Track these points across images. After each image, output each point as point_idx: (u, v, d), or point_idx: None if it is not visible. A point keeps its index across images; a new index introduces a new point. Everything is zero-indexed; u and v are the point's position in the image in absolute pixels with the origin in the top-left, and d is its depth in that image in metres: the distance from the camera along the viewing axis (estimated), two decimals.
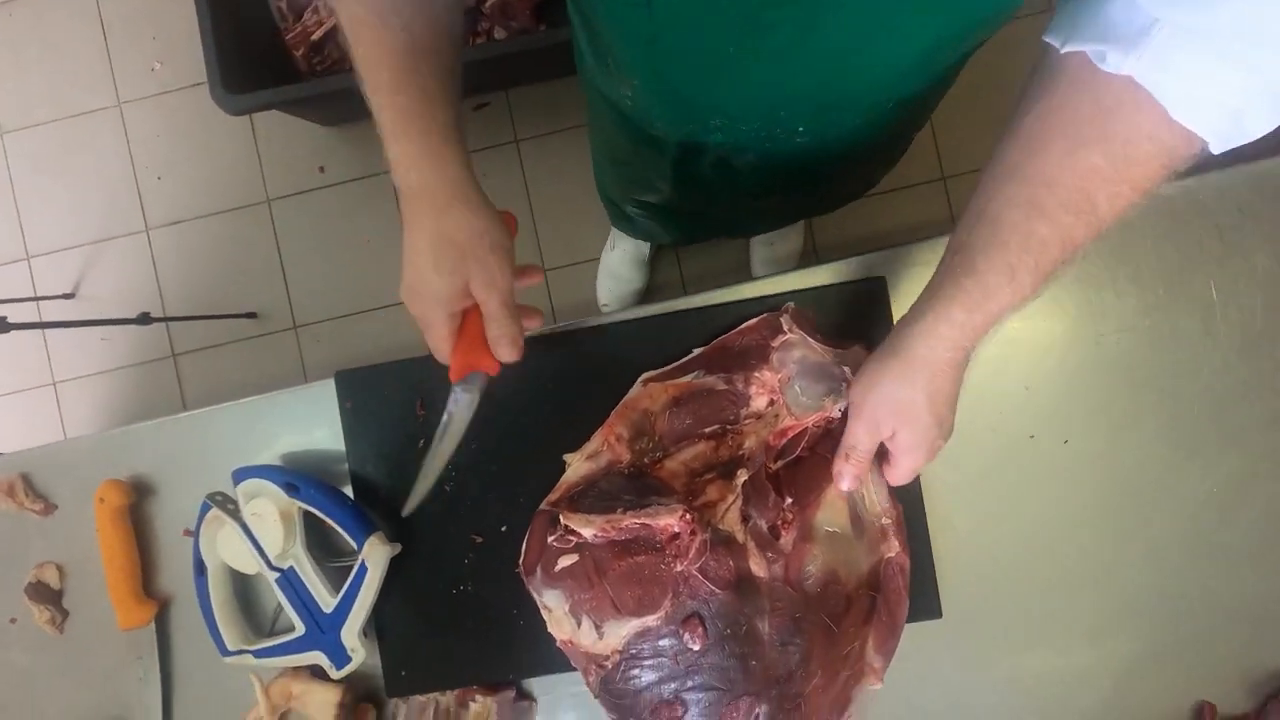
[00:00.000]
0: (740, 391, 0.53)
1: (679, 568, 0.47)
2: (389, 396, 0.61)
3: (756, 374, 0.53)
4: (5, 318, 1.10)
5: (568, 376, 0.59)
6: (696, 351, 0.56)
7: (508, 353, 0.49)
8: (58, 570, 0.64)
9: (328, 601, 0.58)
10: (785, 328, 0.54)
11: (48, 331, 1.55)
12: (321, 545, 0.61)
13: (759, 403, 0.53)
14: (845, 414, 0.51)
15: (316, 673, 0.61)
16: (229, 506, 0.59)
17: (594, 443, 0.53)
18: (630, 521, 0.47)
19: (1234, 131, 0.39)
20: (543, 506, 0.51)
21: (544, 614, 0.50)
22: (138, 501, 0.64)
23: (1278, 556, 0.59)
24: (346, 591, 0.57)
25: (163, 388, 1.60)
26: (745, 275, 1.23)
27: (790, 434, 0.51)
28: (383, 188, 1.52)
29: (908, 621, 0.58)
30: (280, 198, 1.55)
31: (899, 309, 0.58)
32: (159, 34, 1.55)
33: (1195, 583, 0.59)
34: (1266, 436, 0.59)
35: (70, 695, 0.64)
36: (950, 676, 0.59)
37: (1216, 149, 0.39)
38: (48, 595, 0.64)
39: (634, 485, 0.50)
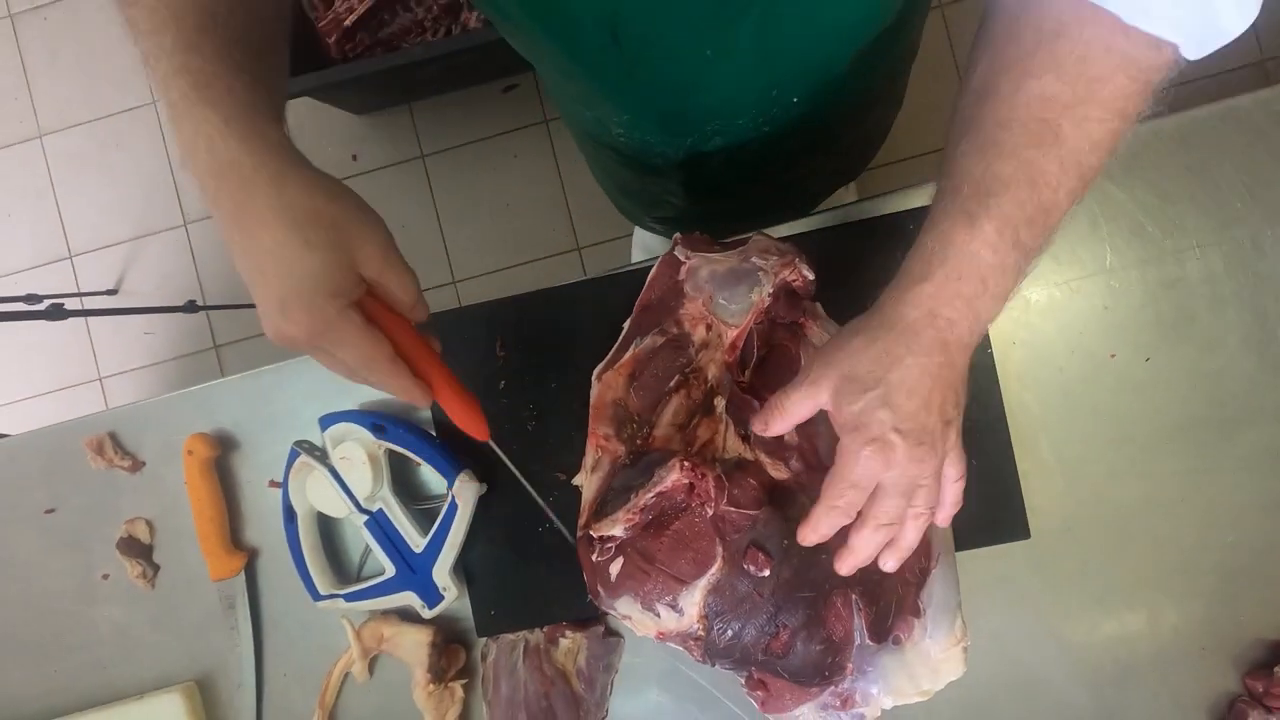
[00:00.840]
0: (679, 334, 0.53)
1: (710, 512, 0.48)
2: (468, 339, 0.61)
3: (681, 312, 0.53)
4: (62, 304, 1.12)
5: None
6: (626, 325, 0.56)
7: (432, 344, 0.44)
8: (147, 525, 0.65)
9: (417, 541, 0.59)
10: (682, 257, 0.54)
11: (92, 328, 1.57)
12: (406, 488, 0.62)
13: (699, 334, 0.53)
14: (787, 290, 0.51)
15: (406, 615, 0.62)
16: (316, 453, 0.60)
17: (589, 456, 0.54)
18: (645, 499, 0.47)
19: (1207, 29, 0.35)
20: (578, 535, 0.52)
21: (627, 625, 0.51)
22: (223, 455, 0.65)
23: None
24: (437, 530, 0.58)
25: (207, 379, 1.62)
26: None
27: (739, 343, 0.52)
28: (417, 173, 1.53)
29: (996, 543, 0.58)
30: None
31: None
32: None
33: None
34: None
35: (164, 648, 0.65)
36: (1038, 597, 0.59)
37: (1191, 53, 0.36)
38: (138, 550, 0.65)
39: (640, 469, 0.50)
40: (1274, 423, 0.58)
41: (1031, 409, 0.60)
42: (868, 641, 0.48)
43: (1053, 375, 0.59)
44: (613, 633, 0.62)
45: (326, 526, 0.64)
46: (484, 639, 0.62)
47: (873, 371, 0.40)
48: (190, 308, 1.34)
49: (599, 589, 0.51)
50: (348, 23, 1.33)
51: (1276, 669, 0.57)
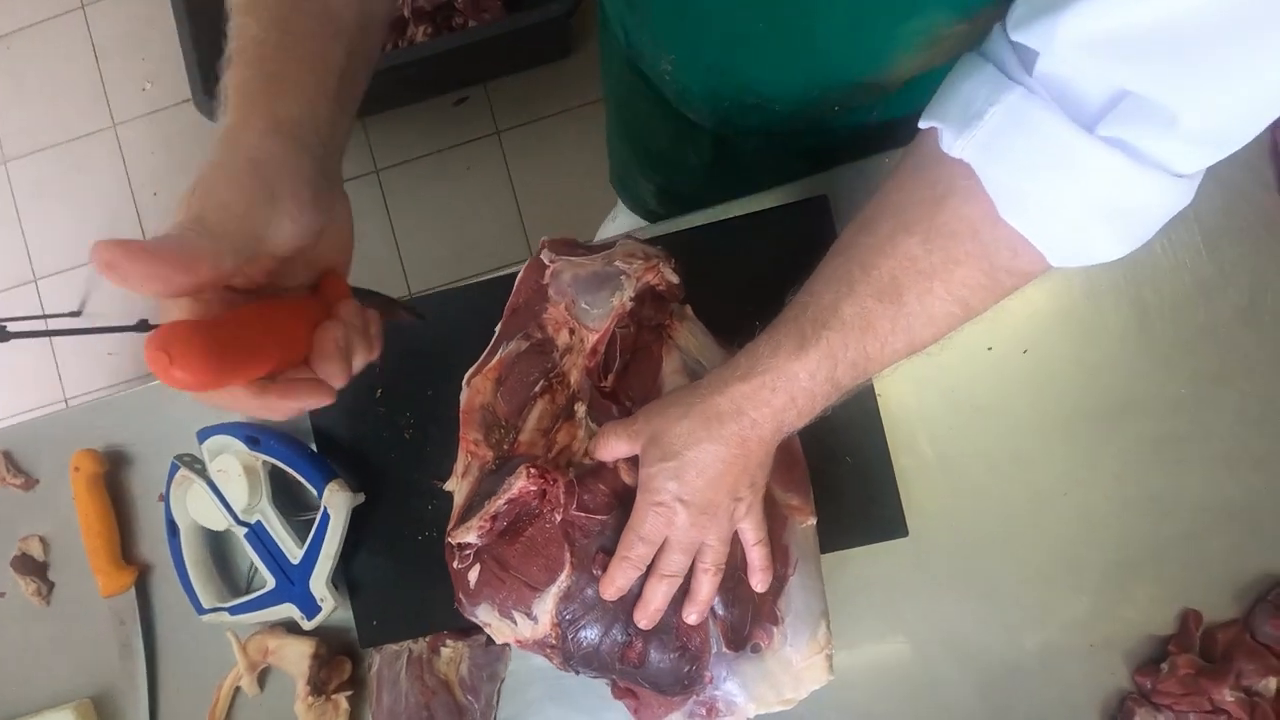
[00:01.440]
0: (542, 339, 0.53)
1: (559, 518, 0.47)
2: None
3: (545, 316, 0.53)
4: (4, 326, 1.13)
5: None
6: (497, 330, 0.56)
7: (353, 362, 0.38)
8: (41, 542, 0.66)
9: (295, 553, 0.59)
10: (547, 261, 0.54)
11: (57, 351, 1.59)
12: (289, 500, 0.62)
13: (563, 338, 0.53)
14: (652, 294, 0.51)
15: (293, 628, 0.62)
16: (196, 466, 0.61)
17: (460, 461, 0.53)
18: (497, 505, 0.47)
19: (1077, 249, 0.36)
20: (448, 541, 0.52)
21: (488, 631, 0.51)
22: (114, 470, 0.65)
23: (1254, 458, 0.57)
24: (311, 541, 0.58)
25: (175, 396, 1.64)
26: None
27: (600, 347, 0.51)
28: (371, 187, 1.54)
29: (872, 542, 0.57)
30: None
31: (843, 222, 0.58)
32: (148, 55, 1.60)
33: (1172, 488, 0.57)
34: (1233, 333, 0.57)
35: (60, 665, 0.65)
36: (920, 596, 0.58)
37: (1057, 262, 0.37)
38: (33, 567, 0.65)
39: (501, 475, 0.50)
40: (1156, 414, 0.58)
41: (908, 404, 0.59)
42: (724, 650, 0.48)
43: (929, 369, 0.59)
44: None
45: (218, 540, 0.64)
46: (367, 649, 0.62)
47: (674, 444, 0.43)
48: (143, 326, 1.35)
49: (460, 596, 0.51)
50: None
51: (1164, 665, 0.55)
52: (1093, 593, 0.57)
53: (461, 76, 1.50)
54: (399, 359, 0.61)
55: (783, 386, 0.41)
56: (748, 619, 0.48)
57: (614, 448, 0.47)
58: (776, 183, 0.60)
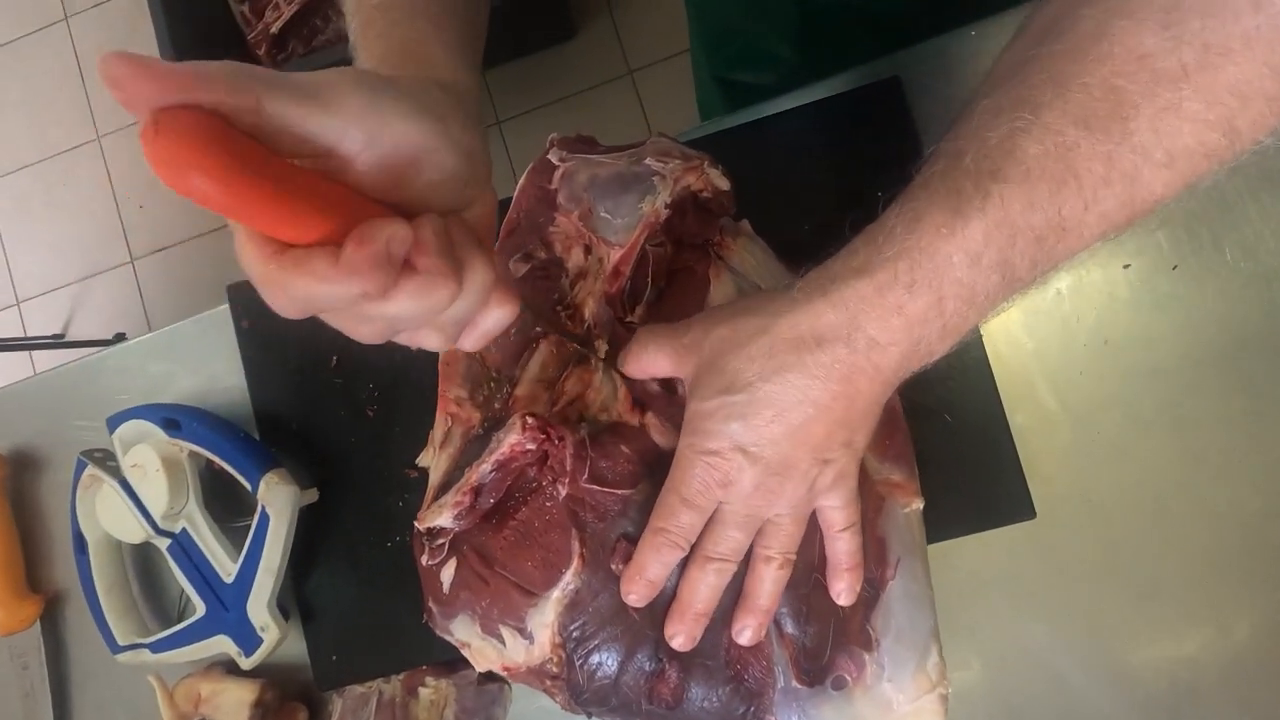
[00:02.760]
0: (547, 260, 0.40)
1: (564, 492, 0.34)
2: None
3: (552, 229, 0.40)
4: None
5: None
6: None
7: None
8: None
9: (229, 569, 0.45)
10: (556, 160, 0.40)
11: (39, 369, 1.49)
12: (229, 505, 0.49)
13: (575, 258, 0.39)
14: (694, 203, 0.38)
15: (234, 669, 0.48)
16: (109, 464, 0.48)
17: (438, 428, 0.40)
18: (480, 474, 0.34)
19: None
20: (415, 527, 0.38)
21: (466, 654, 0.37)
22: (18, 476, 0.53)
23: None
24: (248, 553, 0.45)
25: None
26: None
27: (625, 267, 0.38)
28: None
29: (987, 528, 0.43)
30: None
31: (922, 114, 0.45)
32: None
33: None
34: None
35: None
36: (1053, 600, 0.43)
37: None
38: None
39: (493, 438, 0.37)
40: None
41: (1020, 341, 0.45)
42: (794, 684, 0.33)
43: (1047, 298, 0.45)
44: (492, 678, 0.47)
45: (145, 557, 0.51)
46: (328, 691, 0.48)
47: (744, 371, 0.30)
48: (120, 339, 1.25)
49: (430, 605, 0.37)
50: (274, 29, 1.26)
51: None
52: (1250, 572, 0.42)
53: None
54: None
55: (926, 281, 0.27)
56: (828, 641, 0.34)
57: (651, 361, 0.34)
58: (841, 67, 0.47)
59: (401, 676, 0.46)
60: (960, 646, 0.43)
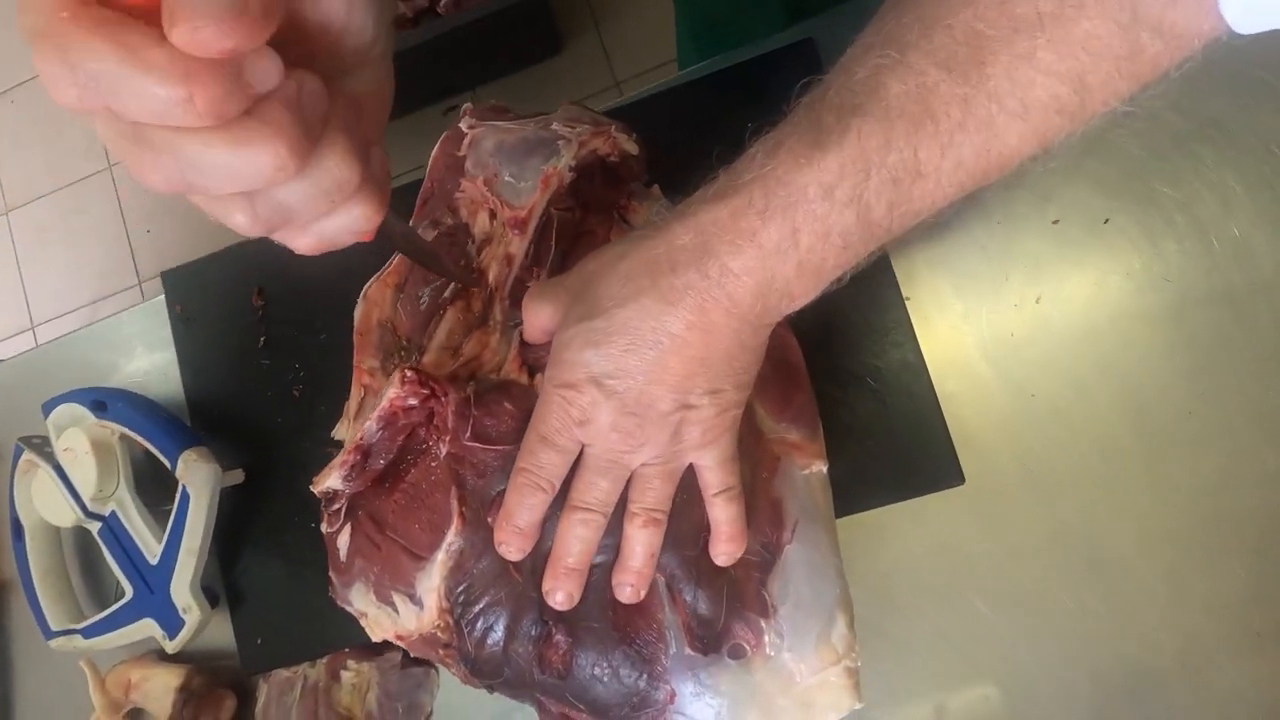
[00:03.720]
0: (454, 225, 0.39)
1: (444, 450, 0.33)
2: (223, 291, 0.49)
3: (459, 195, 0.39)
4: None
5: None
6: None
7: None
8: None
9: (154, 550, 0.45)
10: (465, 129, 0.40)
11: None
12: (163, 488, 0.49)
13: (481, 223, 0.39)
14: (602, 167, 0.37)
15: (168, 656, 0.48)
16: (46, 449, 0.48)
17: (353, 399, 0.40)
18: (366, 430, 0.33)
19: None
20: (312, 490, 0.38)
21: (364, 624, 0.36)
22: None
23: None
24: (170, 533, 0.45)
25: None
26: None
27: (528, 227, 0.37)
28: None
29: (912, 496, 0.41)
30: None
31: None
32: None
33: None
34: None
35: None
36: (989, 573, 0.41)
37: (1235, 18, 0.23)
38: None
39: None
40: None
41: (951, 306, 0.43)
42: (688, 651, 0.32)
43: (974, 257, 0.43)
44: (417, 661, 0.46)
45: (84, 541, 0.51)
46: (256, 677, 0.47)
47: (603, 297, 0.29)
48: None
49: (331, 574, 0.37)
50: None
51: None
52: (1253, 557, 0.39)
53: (448, 83, 1.43)
54: (287, 299, 0.48)
55: (779, 209, 0.26)
56: (722, 607, 0.32)
57: (536, 314, 0.33)
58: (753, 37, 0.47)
59: (325, 661, 0.46)
60: (894, 622, 0.41)
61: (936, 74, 0.25)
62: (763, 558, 0.33)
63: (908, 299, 0.43)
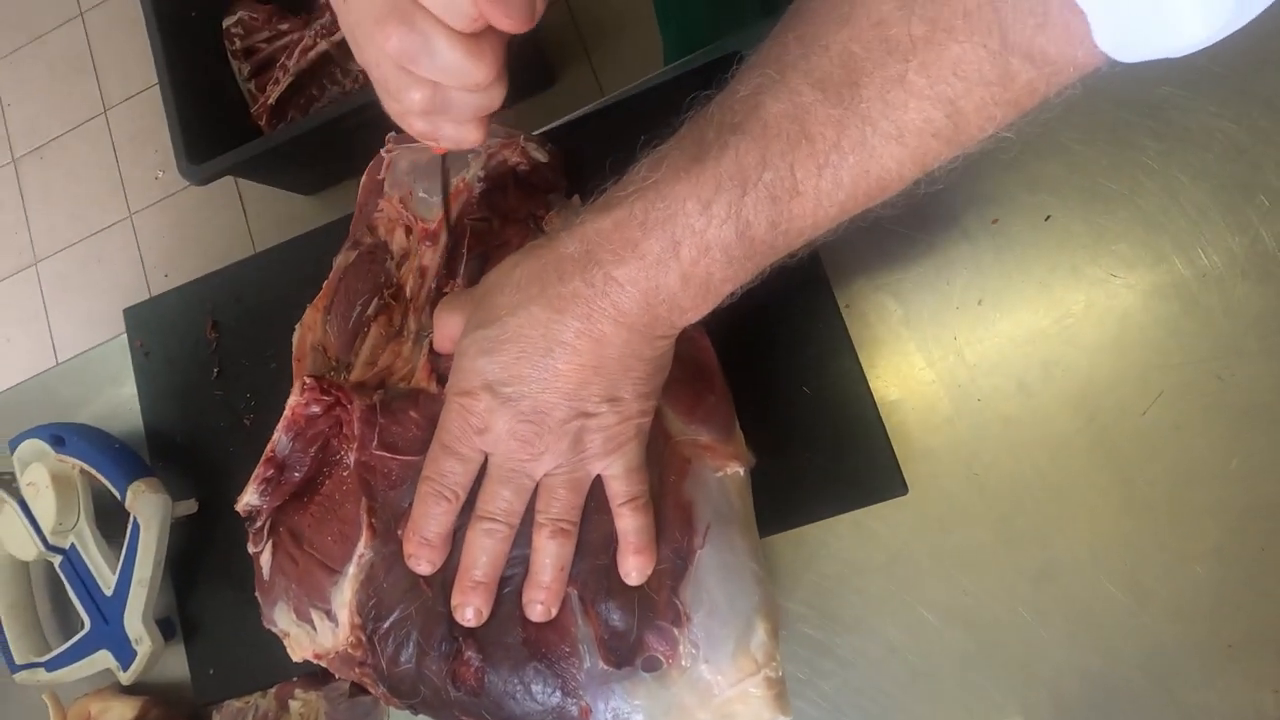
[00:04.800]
0: (373, 244, 0.41)
1: (351, 458, 0.33)
2: (179, 325, 0.51)
3: (376, 214, 0.40)
4: None
5: None
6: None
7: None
8: None
9: (109, 581, 0.46)
10: (384, 153, 0.42)
11: None
12: (122, 520, 0.50)
13: (398, 240, 0.40)
14: (515, 178, 0.39)
15: (124, 687, 0.48)
16: (12, 485, 0.50)
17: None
18: (276, 442, 0.34)
19: (1143, 13, 0.21)
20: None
21: (286, 645, 0.36)
22: None
23: None
24: (123, 564, 0.45)
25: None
26: None
27: (439, 238, 0.38)
28: None
29: (853, 508, 0.40)
30: None
31: None
32: (159, 147, 1.66)
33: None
34: None
35: None
36: (938, 587, 0.39)
37: (1105, 42, 0.22)
38: None
39: None
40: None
41: (890, 310, 0.42)
42: (601, 665, 0.31)
43: (912, 259, 0.42)
44: (365, 689, 0.45)
45: (53, 576, 0.52)
46: (209, 707, 0.47)
47: (497, 305, 0.30)
48: None
49: (257, 594, 0.37)
50: (272, 100, 1.36)
51: None
52: (1214, 559, 0.37)
53: None
54: (238, 329, 0.49)
55: (659, 221, 0.27)
56: (634, 617, 0.31)
57: (446, 324, 0.34)
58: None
59: (274, 690, 0.46)
60: (840, 638, 0.40)
61: (812, 94, 0.25)
62: (674, 564, 0.32)
63: (846, 306, 0.42)
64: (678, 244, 0.27)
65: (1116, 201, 0.41)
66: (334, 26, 1.36)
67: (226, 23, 1.40)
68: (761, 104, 0.26)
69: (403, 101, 0.29)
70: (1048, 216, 0.41)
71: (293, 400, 0.33)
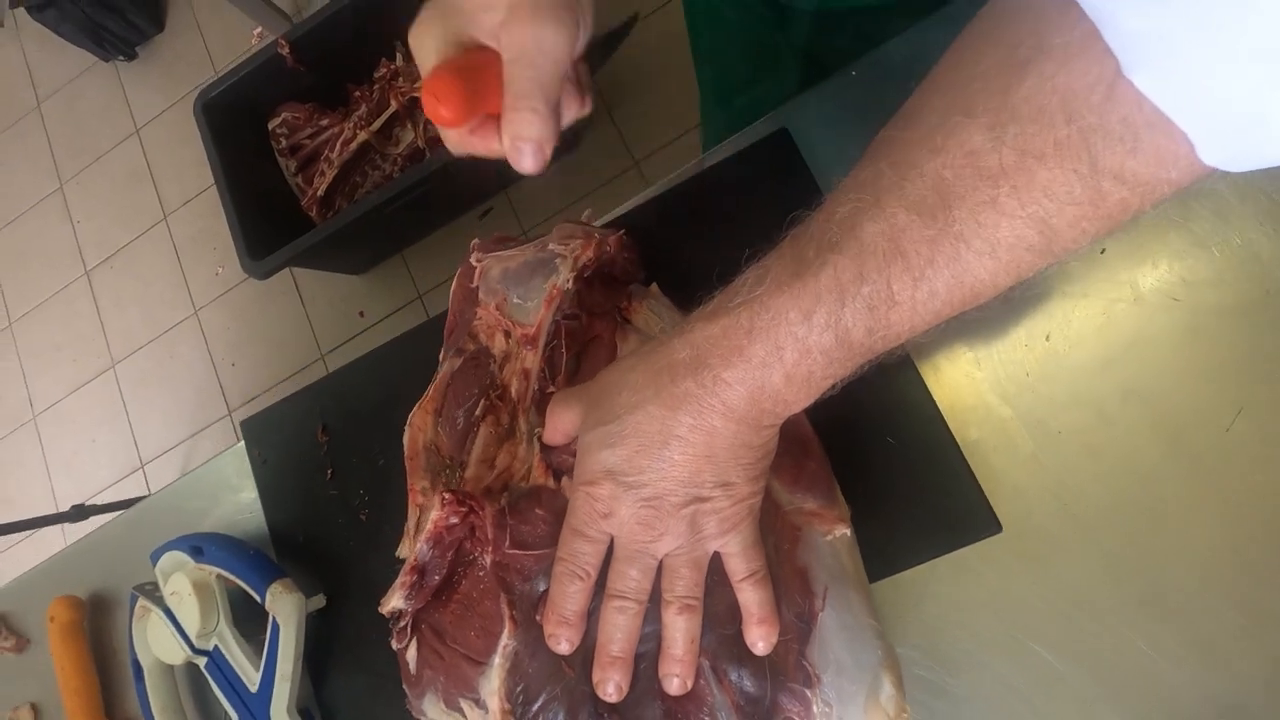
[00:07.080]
0: (476, 350, 0.44)
1: (490, 559, 0.36)
2: (291, 432, 0.55)
3: (476, 322, 0.44)
4: (83, 504, 1.18)
5: None
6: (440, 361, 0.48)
7: (527, 159, 0.32)
8: (32, 710, 0.61)
9: (253, 679, 0.50)
10: (474, 262, 0.45)
11: None
12: (257, 619, 0.54)
13: (499, 344, 0.43)
14: (600, 276, 0.42)
15: None
16: (155, 594, 0.54)
17: (411, 518, 0.44)
18: (419, 551, 0.37)
19: (1246, 129, 0.22)
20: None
21: None
22: (97, 618, 0.60)
23: None
24: (266, 661, 0.49)
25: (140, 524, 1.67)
26: None
27: (539, 340, 0.41)
28: (417, 312, 1.57)
29: (949, 550, 0.41)
30: (332, 350, 1.64)
31: (813, 158, 0.47)
32: (217, 245, 1.77)
33: None
34: None
35: None
36: (1045, 623, 0.40)
37: (1210, 156, 0.23)
38: None
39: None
40: None
41: (960, 354, 0.44)
42: None
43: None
44: None
45: (197, 678, 0.56)
46: None
47: (616, 404, 0.33)
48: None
49: (405, 687, 0.40)
50: (320, 191, 1.44)
51: None
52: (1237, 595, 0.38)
53: (479, 190, 1.54)
54: (346, 431, 0.53)
55: (764, 329, 0.30)
56: (767, 682, 0.33)
57: (559, 420, 0.37)
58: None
59: None
60: (954, 678, 0.41)
61: (906, 217, 0.27)
62: (799, 628, 0.34)
63: (911, 353, 0.44)
64: (781, 348, 0.29)
65: (1166, 227, 0.42)
66: (371, 118, 1.44)
67: (272, 124, 1.49)
68: (858, 224, 0.28)
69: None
70: (1102, 250, 0.43)
71: (435, 515, 0.36)
